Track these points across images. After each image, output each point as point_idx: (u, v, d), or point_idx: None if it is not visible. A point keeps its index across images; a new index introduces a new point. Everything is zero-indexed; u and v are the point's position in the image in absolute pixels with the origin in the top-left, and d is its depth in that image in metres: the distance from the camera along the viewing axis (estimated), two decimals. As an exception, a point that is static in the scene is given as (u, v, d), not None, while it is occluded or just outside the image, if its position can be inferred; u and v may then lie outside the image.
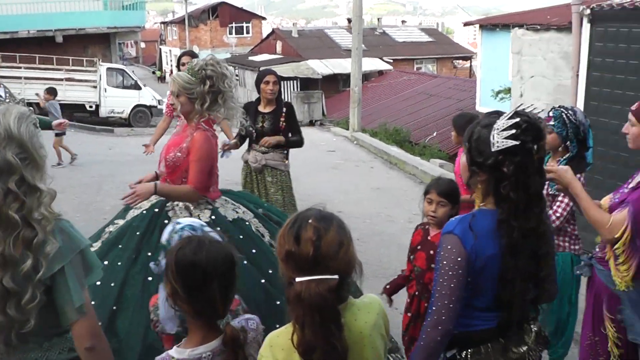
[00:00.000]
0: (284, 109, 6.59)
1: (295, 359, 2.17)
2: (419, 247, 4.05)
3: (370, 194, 10.57)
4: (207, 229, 2.78)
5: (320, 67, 35.64)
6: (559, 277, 4.42)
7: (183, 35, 51.31)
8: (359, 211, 9.13)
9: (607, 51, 7.30)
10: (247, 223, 4.15)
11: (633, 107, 3.49)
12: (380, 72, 36.88)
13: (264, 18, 56.30)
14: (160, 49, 55.79)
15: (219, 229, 3.94)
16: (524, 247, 2.52)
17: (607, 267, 3.48)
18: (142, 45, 63.20)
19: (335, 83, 35.21)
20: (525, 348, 2.67)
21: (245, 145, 6.74)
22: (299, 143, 6.76)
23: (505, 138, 2.45)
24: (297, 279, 2.12)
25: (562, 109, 4.38)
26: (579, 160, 4.34)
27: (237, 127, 4.96)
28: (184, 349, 2.39)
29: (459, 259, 2.52)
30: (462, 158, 2.65)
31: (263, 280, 3.81)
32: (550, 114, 4.41)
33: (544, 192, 4.38)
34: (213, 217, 4.08)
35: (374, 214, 9.16)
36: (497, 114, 2.53)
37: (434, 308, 2.57)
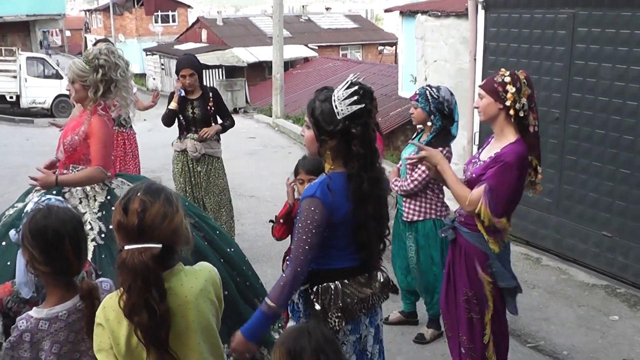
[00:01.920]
0: (210, 94, 6.75)
1: (124, 320, 2.35)
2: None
3: (284, 179, 10.67)
4: (68, 205, 2.97)
5: (246, 55, 35.44)
6: (423, 242, 4.84)
7: (108, 23, 50.11)
8: (271, 195, 9.32)
9: (500, 36, 7.70)
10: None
11: (481, 82, 3.85)
12: (306, 59, 36.90)
13: (190, 7, 55.54)
14: (85, 38, 54.48)
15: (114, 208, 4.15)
16: (371, 194, 2.93)
17: (473, 229, 3.82)
18: (68, 33, 61.55)
19: (261, 70, 35.08)
20: (369, 291, 3.10)
21: (175, 133, 6.85)
22: (232, 125, 6.96)
23: (350, 105, 2.83)
24: (125, 247, 2.32)
25: (427, 87, 4.78)
26: (445, 134, 4.75)
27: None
28: (42, 309, 2.58)
29: (320, 218, 2.87)
30: (306, 133, 2.99)
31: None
32: (416, 91, 4.81)
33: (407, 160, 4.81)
34: (109, 197, 4.26)
35: (284, 197, 9.16)
36: (327, 89, 2.93)
37: (293, 256, 2.94)
